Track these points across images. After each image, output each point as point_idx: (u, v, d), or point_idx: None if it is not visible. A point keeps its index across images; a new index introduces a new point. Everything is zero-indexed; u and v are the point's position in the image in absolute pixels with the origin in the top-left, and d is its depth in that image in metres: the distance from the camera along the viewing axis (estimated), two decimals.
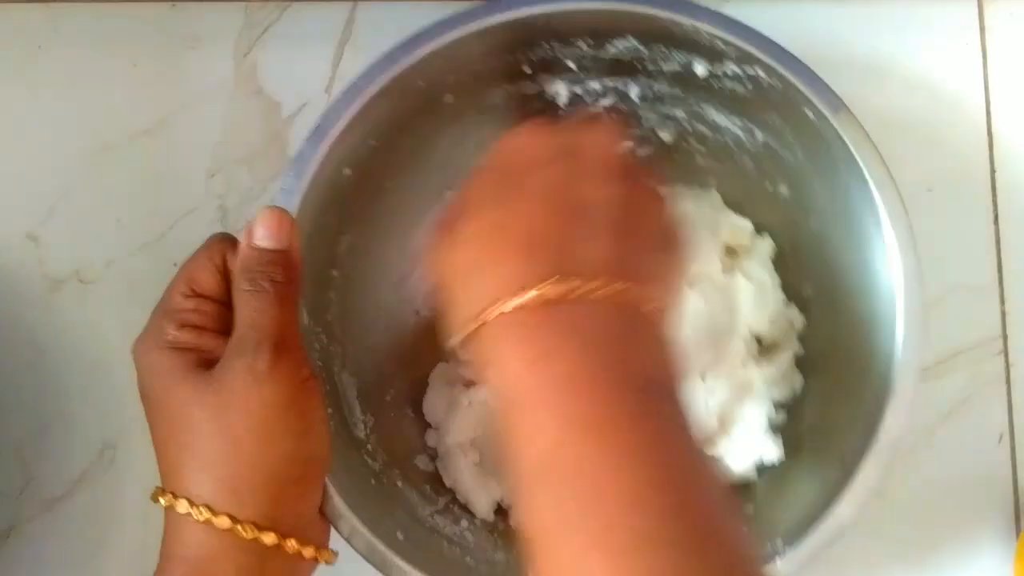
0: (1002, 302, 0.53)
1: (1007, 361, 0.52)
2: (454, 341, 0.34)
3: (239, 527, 0.35)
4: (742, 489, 0.47)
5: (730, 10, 0.52)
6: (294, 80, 0.52)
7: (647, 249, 0.35)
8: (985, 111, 0.54)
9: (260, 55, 0.53)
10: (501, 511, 0.48)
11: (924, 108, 0.53)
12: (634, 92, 0.47)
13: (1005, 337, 0.52)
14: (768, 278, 0.48)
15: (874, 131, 0.53)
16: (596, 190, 0.34)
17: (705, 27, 0.41)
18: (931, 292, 0.52)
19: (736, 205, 0.50)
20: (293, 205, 0.40)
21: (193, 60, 0.53)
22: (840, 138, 0.41)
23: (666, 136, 0.49)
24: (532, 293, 0.31)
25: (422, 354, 0.50)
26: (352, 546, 0.39)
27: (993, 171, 0.53)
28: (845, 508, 0.39)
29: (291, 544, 0.36)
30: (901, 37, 0.54)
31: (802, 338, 0.48)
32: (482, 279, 0.33)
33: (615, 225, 0.34)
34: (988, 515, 0.51)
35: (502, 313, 0.32)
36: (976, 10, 0.54)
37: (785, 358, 0.47)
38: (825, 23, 0.53)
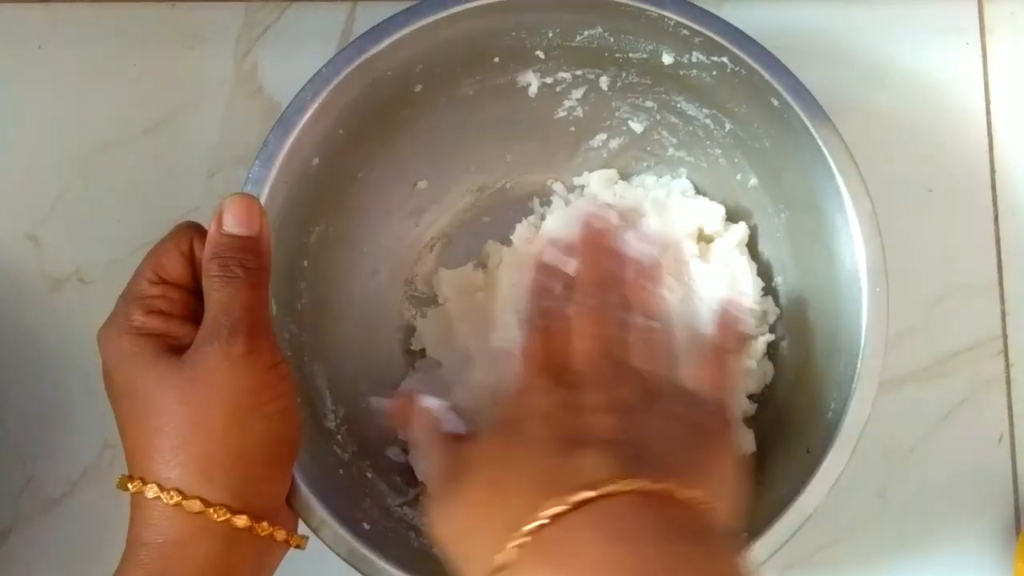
0: (1002, 302, 0.53)
1: (1007, 361, 0.52)
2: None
3: (210, 510, 0.35)
4: None
5: (730, 9, 0.52)
6: (294, 80, 0.52)
7: (675, 446, 0.33)
8: (985, 111, 0.54)
9: (260, 55, 0.53)
10: None
11: (924, 108, 0.53)
12: (604, 82, 0.47)
13: (1005, 337, 0.52)
14: (747, 264, 0.48)
15: (874, 131, 0.53)
16: (599, 416, 0.33)
17: (670, 15, 0.41)
18: (931, 292, 0.52)
19: (707, 196, 0.50)
20: (261, 194, 0.41)
21: (193, 60, 0.53)
22: (804, 125, 0.41)
23: (637, 127, 0.50)
24: (538, 523, 0.29)
25: (393, 346, 0.50)
26: (318, 535, 0.39)
27: (993, 171, 0.53)
28: (809, 497, 0.39)
29: (263, 527, 0.36)
30: (901, 37, 0.54)
31: (772, 328, 0.48)
32: (483, 532, 0.31)
33: (622, 432, 0.32)
34: (988, 515, 0.51)
35: (518, 553, 0.29)
36: (976, 10, 0.54)
37: (759, 348, 0.48)
38: (825, 23, 0.53)
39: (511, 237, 0.50)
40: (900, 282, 0.52)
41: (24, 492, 0.50)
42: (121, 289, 0.51)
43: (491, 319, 0.48)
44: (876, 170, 0.53)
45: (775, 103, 0.42)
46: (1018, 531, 0.51)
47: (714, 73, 0.43)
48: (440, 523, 0.34)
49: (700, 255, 0.48)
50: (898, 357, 0.52)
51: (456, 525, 0.34)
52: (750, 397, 0.48)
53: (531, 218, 0.51)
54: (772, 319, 0.48)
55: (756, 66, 0.41)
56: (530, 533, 0.29)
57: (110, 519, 0.50)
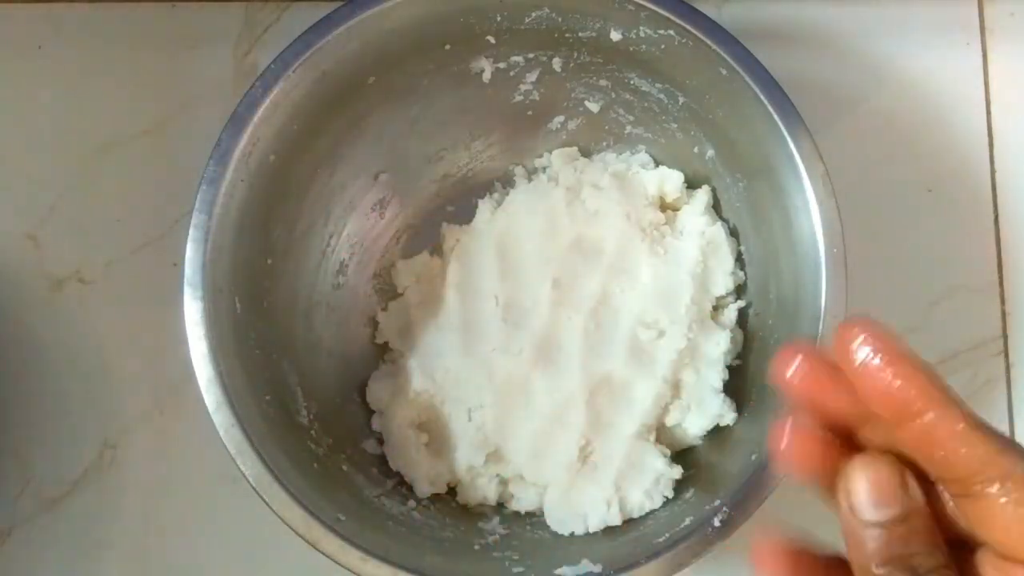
0: (1002, 302, 0.53)
1: (1007, 361, 0.52)
2: None
3: None
4: (686, 453, 0.48)
5: (731, 8, 0.52)
6: None
7: None
8: (985, 111, 0.54)
9: (260, 55, 0.53)
10: (450, 491, 0.48)
11: (924, 108, 0.53)
12: (557, 63, 0.48)
13: (1005, 337, 0.52)
14: (721, 228, 0.48)
15: (874, 131, 0.53)
16: None
17: None
18: (931, 292, 0.52)
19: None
20: (217, 193, 0.41)
21: (193, 60, 0.53)
22: (753, 92, 0.41)
23: (593, 106, 0.50)
24: None
25: (365, 340, 0.50)
26: (293, 529, 0.40)
27: (993, 171, 0.53)
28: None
29: None
30: (901, 37, 0.54)
31: (740, 295, 0.49)
32: None
33: None
34: None
35: None
36: (976, 10, 0.54)
37: (731, 316, 0.48)
38: (825, 23, 0.53)
39: (476, 215, 0.50)
40: (900, 282, 0.53)
41: (24, 492, 0.50)
42: (120, 290, 0.51)
43: (441, 300, 0.49)
44: (876, 170, 0.53)
45: (723, 72, 0.42)
46: None
47: (662, 47, 0.44)
48: None
49: (668, 223, 0.49)
50: None
51: None
52: (726, 367, 0.48)
53: (495, 195, 0.51)
54: (738, 284, 0.49)
55: (702, 36, 0.42)
56: None
57: (110, 519, 0.50)
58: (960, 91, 0.54)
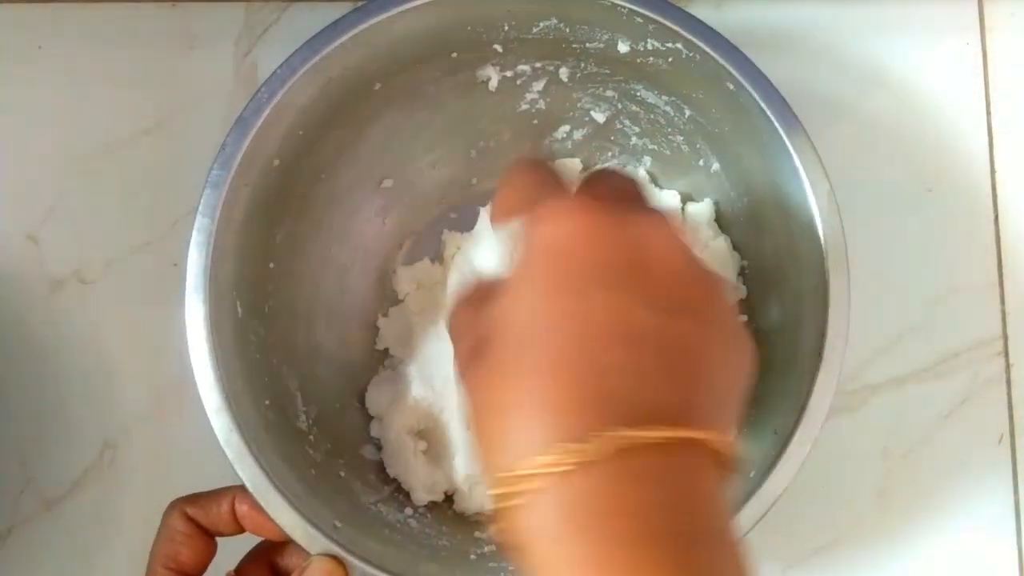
0: (1002, 302, 0.53)
1: (1007, 361, 0.52)
2: (490, 498, 0.28)
3: None
4: None
5: (729, 9, 0.52)
6: None
7: (713, 391, 0.30)
8: (985, 111, 0.54)
9: (260, 55, 0.53)
10: (448, 499, 0.48)
11: (924, 108, 0.53)
12: (564, 73, 0.48)
13: (1005, 337, 0.52)
14: (723, 242, 0.48)
15: (874, 131, 0.53)
16: (663, 319, 0.29)
17: (622, 3, 0.41)
18: (931, 292, 0.52)
19: (671, 182, 0.51)
20: (220, 197, 0.41)
21: (193, 60, 0.53)
22: (759, 107, 0.41)
23: (599, 117, 0.50)
24: (574, 453, 0.26)
25: (366, 346, 0.50)
26: (289, 535, 0.39)
27: (993, 171, 0.53)
28: (777, 480, 0.39)
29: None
30: (901, 37, 0.54)
31: (741, 311, 0.49)
32: (519, 424, 0.28)
33: (679, 363, 0.29)
34: (988, 516, 0.51)
35: (541, 476, 0.26)
36: (976, 10, 0.54)
37: None
38: (825, 23, 0.53)
39: (477, 222, 0.50)
40: (900, 282, 0.53)
41: (24, 492, 0.50)
42: (120, 290, 0.51)
43: (441, 308, 0.49)
44: (876, 170, 0.53)
45: (730, 87, 0.42)
46: (1019, 532, 0.51)
47: (670, 60, 0.44)
48: (473, 381, 0.30)
49: None
50: (898, 357, 0.52)
51: (487, 398, 0.29)
52: None
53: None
54: (741, 297, 0.49)
55: (709, 51, 0.41)
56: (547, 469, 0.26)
57: (110, 519, 0.50)
58: (960, 91, 0.54)
